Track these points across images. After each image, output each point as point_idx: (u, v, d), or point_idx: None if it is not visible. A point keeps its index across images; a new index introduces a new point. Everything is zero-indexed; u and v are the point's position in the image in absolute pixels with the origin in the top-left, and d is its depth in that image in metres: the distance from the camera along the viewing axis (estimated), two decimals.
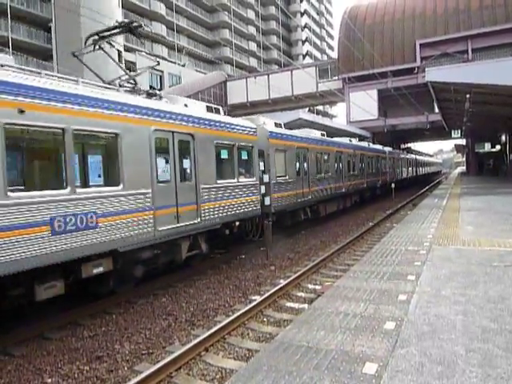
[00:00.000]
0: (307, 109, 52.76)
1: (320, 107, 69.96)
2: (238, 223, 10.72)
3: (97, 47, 9.14)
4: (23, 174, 6.21)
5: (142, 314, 7.18)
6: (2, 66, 5.87)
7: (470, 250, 7.84)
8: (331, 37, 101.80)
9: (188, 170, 8.97)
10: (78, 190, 6.34)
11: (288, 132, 14.82)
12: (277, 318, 6.71)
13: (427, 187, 38.45)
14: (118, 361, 5.41)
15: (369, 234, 14.41)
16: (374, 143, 31.55)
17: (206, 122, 9.61)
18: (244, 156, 11.29)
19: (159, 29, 51.07)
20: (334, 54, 55.53)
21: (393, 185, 27.10)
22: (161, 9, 51.74)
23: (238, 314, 6.47)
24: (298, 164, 14.87)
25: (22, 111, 5.56)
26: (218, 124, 10.08)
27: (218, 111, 10.70)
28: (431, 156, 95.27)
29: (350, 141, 23.07)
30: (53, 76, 6.89)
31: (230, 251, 11.70)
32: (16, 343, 6.00)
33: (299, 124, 19.31)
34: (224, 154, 10.39)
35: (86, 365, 5.33)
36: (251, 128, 11.70)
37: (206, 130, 9.58)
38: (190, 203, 8.82)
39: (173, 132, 8.47)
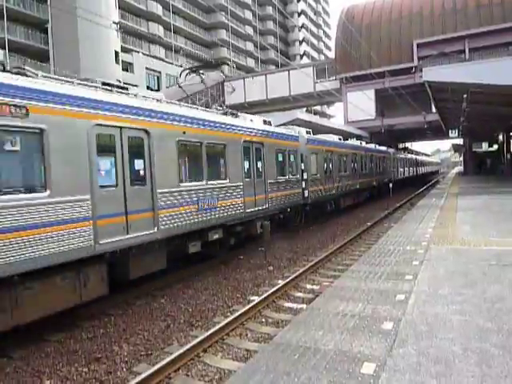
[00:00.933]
0: (305, 109, 52.81)
1: (317, 107, 70.06)
2: (289, 209, 14.12)
3: (190, 76, 12.65)
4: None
5: (141, 315, 7.18)
6: None
7: (468, 250, 7.87)
8: (328, 37, 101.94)
9: (261, 170, 12.21)
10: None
11: (319, 138, 17.97)
12: (275, 319, 6.72)
13: (425, 187, 38.56)
14: (116, 362, 5.41)
15: (367, 234, 14.44)
16: (371, 143, 31.69)
17: (271, 134, 13.02)
18: (292, 158, 14.48)
19: (156, 29, 51.05)
20: (332, 54, 55.59)
21: (390, 184, 27.42)
22: (157, 9, 51.69)
23: (237, 314, 6.48)
24: (325, 164, 17.76)
25: None
26: (278, 135, 13.57)
27: (270, 123, 13.75)
28: (428, 156, 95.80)
29: (361, 143, 25.61)
30: None
31: (228, 252, 11.70)
32: (15, 345, 5.99)
33: (298, 124, 19.39)
34: (280, 158, 13.56)
35: (85, 366, 5.33)
36: (296, 136, 15.03)
37: (271, 140, 12.94)
38: (260, 193, 11.97)
39: (252, 142, 11.72)
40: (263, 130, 12.51)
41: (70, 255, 6.11)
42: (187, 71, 12.45)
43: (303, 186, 15.08)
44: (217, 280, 9.22)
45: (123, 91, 7.96)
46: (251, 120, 12.52)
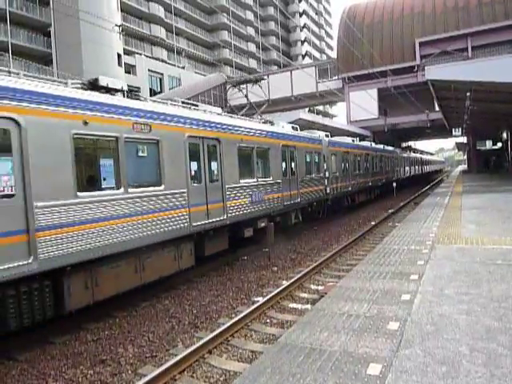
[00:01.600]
0: (307, 109, 52.74)
1: (320, 107, 69.95)
2: (315, 203, 16.19)
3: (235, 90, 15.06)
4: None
5: (146, 316, 7.18)
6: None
7: (473, 249, 7.82)
8: (330, 36, 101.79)
9: (294, 169, 14.24)
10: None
11: (337, 140, 20.03)
12: (280, 320, 6.70)
13: (429, 185, 38.42)
14: (121, 364, 5.41)
15: (371, 234, 14.39)
16: (374, 142, 31.70)
17: (301, 139, 15.16)
18: (316, 159, 16.45)
19: (158, 31, 51.13)
20: (334, 54, 55.49)
21: (394, 184, 27.73)
22: (159, 11, 51.76)
23: (241, 315, 6.47)
24: (342, 164, 19.67)
25: None
26: (306, 139, 15.70)
27: (296, 129, 15.73)
28: (432, 154, 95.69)
29: (371, 144, 27.48)
30: None
31: (232, 252, 11.69)
32: (20, 347, 6.01)
33: (300, 125, 19.48)
34: (308, 158, 15.53)
35: (90, 369, 5.33)
36: (320, 140, 17.15)
37: (302, 144, 15.01)
38: (294, 189, 13.98)
39: (288, 146, 13.79)
40: (295, 136, 14.86)
41: (177, 233, 8.35)
42: (230, 85, 14.76)
43: (326, 183, 17.13)
44: (221, 281, 9.21)
45: (197, 108, 10.13)
46: (282, 126, 14.61)
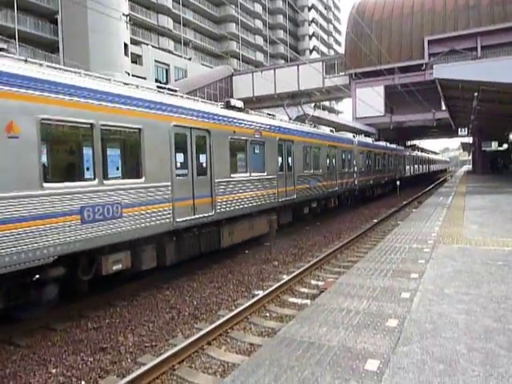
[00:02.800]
0: (313, 104, 52.52)
1: (326, 103, 69.66)
2: (347, 192, 19.98)
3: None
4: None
5: (146, 306, 7.24)
6: None
7: (475, 249, 7.81)
8: (338, 32, 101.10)
9: (334, 164, 17.86)
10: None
11: (363, 141, 23.55)
12: (279, 313, 6.74)
13: (432, 185, 38.32)
14: (121, 352, 5.47)
15: (372, 231, 14.39)
16: (379, 140, 31.71)
17: (340, 140, 19.08)
18: (349, 157, 20.07)
19: (165, 22, 50.93)
20: (341, 50, 55.14)
21: (398, 182, 27.92)
22: (167, 1, 51.56)
23: (241, 308, 6.51)
24: (366, 161, 23.22)
25: None
26: (343, 140, 19.60)
27: (333, 131, 19.36)
28: (437, 154, 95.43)
29: (386, 144, 30.21)
30: None
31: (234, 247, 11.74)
32: (21, 333, 6.08)
33: (304, 120, 19.63)
34: (343, 156, 19.30)
35: (90, 356, 5.39)
36: (352, 140, 20.91)
37: (340, 144, 18.91)
38: (333, 180, 17.50)
39: (331, 146, 17.66)
40: (335, 137, 18.71)
41: (266, 206, 11.71)
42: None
43: (355, 176, 20.71)
44: (222, 273, 9.26)
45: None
46: (331, 131, 18.82)
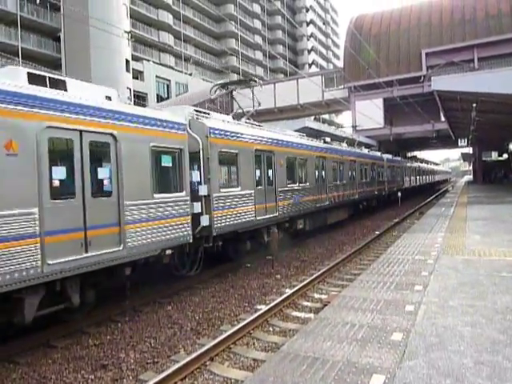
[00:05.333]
0: (313, 117, 52.85)
1: (326, 116, 70.07)
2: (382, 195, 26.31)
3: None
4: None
5: (148, 322, 7.17)
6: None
7: (478, 260, 7.76)
8: (337, 46, 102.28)
9: (373, 176, 24.70)
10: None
11: (390, 158, 30.46)
12: (283, 328, 6.66)
13: (434, 195, 38.30)
14: (123, 370, 5.39)
15: (375, 243, 14.32)
16: (380, 152, 31.93)
17: (377, 158, 26.18)
18: (382, 170, 27.16)
19: (166, 38, 51.66)
20: (340, 63, 55.73)
21: (399, 193, 28.08)
22: (168, 19, 52.36)
23: (244, 323, 6.44)
24: (390, 173, 29.75)
25: None
26: (378, 158, 26.72)
27: (369, 150, 27.30)
28: (438, 165, 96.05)
29: (400, 158, 35.91)
30: None
31: (235, 260, 11.67)
32: (21, 351, 6.00)
33: (306, 133, 19.73)
34: (378, 170, 26.09)
35: (91, 373, 5.32)
36: (383, 158, 28.00)
37: (376, 161, 25.82)
38: (373, 186, 24.48)
39: (369, 163, 24.25)
40: (372, 156, 25.40)
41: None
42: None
43: (385, 185, 27.52)
44: (224, 288, 9.19)
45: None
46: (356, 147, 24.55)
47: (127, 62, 36.25)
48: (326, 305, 6.79)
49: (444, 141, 43.42)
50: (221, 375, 5.10)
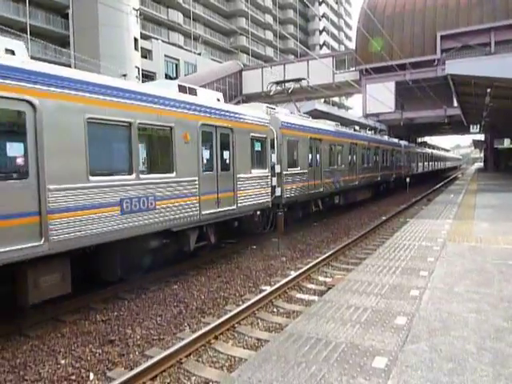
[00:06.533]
0: (322, 100, 52.22)
1: (336, 99, 69.18)
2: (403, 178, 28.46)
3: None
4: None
5: (154, 300, 7.28)
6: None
7: (485, 248, 7.72)
8: (349, 27, 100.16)
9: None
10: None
11: (406, 144, 32.33)
12: (287, 309, 6.73)
13: (442, 182, 37.97)
14: (129, 345, 5.51)
15: (381, 229, 14.30)
16: (389, 136, 31.58)
17: (397, 145, 28.92)
18: (400, 155, 29.45)
19: (175, 16, 50.87)
20: (352, 45, 54.63)
21: (407, 179, 27.78)
22: None
23: (249, 303, 6.52)
24: (407, 158, 31.79)
25: None
26: (399, 145, 29.46)
27: (400, 140, 31.07)
28: (448, 151, 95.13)
29: (415, 145, 40.12)
30: None
31: (240, 241, 11.75)
32: (31, 325, 6.15)
33: (315, 115, 19.52)
34: (399, 155, 29.01)
35: (99, 348, 5.44)
36: (400, 144, 29.91)
37: (398, 148, 28.94)
38: (392, 170, 26.95)
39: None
40: (391, 143, 27.43)
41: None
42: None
43: (402, 169, 29.72)
44: (229, 268, 9.28)
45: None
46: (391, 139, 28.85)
47: (136, 40, 35.88)
48: (330, 288, 6.83)
49: (455, 127, 42.79)
50: (225, 353, 5.19)
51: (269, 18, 69.78)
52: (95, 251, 6.82)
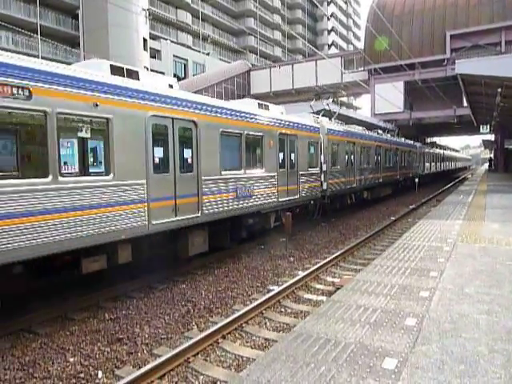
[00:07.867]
0: (331, 99, 51.98)
1: (344, 98, 68.82)
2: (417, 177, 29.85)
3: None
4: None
5: (162, 299, 7.30)
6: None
7: (496, 249, 7.62)
8: (358, 26, 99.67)
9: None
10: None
11: (422, 145, 34.74)
12: (295, 309, 6.71)
13: (452, 183, 37.65)
14: (137, 344, 5.52)
15: (390, 229, 14.20)
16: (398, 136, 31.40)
17: (413, 147, 31.18)
18: (416, 156, 31.75)
19: (184, 17, 51.00)
20: (361, 45, 54.35)
21: (416, 179, 27.65)
22: None
23: (256, 303, 6.50)
24: (423, 158, 34.09)
25: None
26: (414, 147, 31.91)
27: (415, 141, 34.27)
28: (458, 151, 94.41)
29: (429, 146, 42.38)
30: None
31: (249, 241, 11.73)
32: (41, 322, 6.20)
33: (324, 115, 19.66)
34: (414, 156, 31.07)
35: (107, 346, 5.46)
36: (416, 146, 32.05)
37: (414, 149, 31.58)
38: (409, 169, 29.23)
39: (409, 151, 31.11)
40: (408, 144, 29.37)
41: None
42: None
43: (417, 169, 31.94)
44: (237, 268, 9.27)
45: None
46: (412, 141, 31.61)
47: (145, 40, 36.04)
48: (338, 288, 6.79)
49: (465, 127, 42.35)
50: (232, 353, 5.18)
51: (277, 18, 69.61)
52: (217, 223, 9.23)
